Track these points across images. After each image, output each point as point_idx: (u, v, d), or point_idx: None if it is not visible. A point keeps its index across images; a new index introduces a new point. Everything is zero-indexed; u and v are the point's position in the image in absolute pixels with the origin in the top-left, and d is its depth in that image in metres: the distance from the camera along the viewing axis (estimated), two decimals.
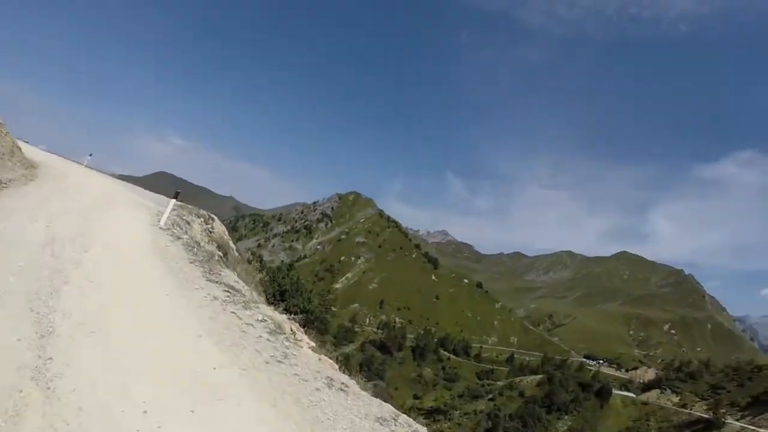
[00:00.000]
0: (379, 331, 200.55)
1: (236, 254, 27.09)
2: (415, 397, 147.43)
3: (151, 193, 36.19)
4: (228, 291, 12.77)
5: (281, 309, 19.25)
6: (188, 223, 20.75)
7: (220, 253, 19.72)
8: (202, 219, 23.81)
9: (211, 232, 22.67)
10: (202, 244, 18.61)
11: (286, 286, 40.77)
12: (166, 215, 18.21)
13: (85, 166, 38.07)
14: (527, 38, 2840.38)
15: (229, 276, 15.25)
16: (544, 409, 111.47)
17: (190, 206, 27.19)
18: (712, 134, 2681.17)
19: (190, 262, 14.39)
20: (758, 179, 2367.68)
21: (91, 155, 41.10)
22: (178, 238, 16.88)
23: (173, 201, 19.27)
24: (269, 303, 20.62)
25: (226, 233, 29.62)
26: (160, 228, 17.22)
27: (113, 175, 42.06)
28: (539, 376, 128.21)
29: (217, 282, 13.27)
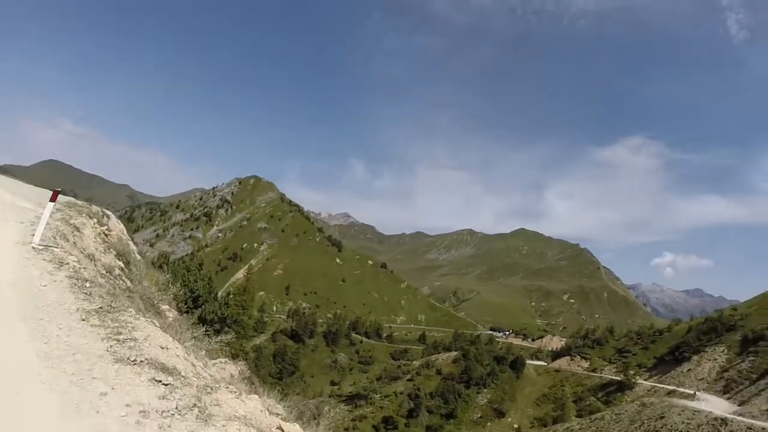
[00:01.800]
0: (289, 319, 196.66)
1: (138, 258, 23.24)
2: (332, 383, 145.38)
3: (32, 188, 27.35)
4: (159, 380, 7.22)
5: (195, 318, 16.09)
6: (77, 228, 15.52)
7: (121, 264, 16.29)
8: (95, 219, 18.93)
9: (107, 235, 18.65)
10: (96, 255, 14.41)
11: (200, 291, 36.47)
12: (41, 227, 12.06)
13: None
14: (432, 24, 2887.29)
15: (152, 335, 8.74)
16: (462, 384, 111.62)
17: (80, 203, 22.35)
18: (606, 121, 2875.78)
19: (83, 319, 8.51)
20: (646, 162, 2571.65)
21: None
22: (62, 263, 10.98)
23: (51, 205, 12.47)
24: (181, 312, 17.91)
25: (125, 232, 25.57)
26: (34, 247, 11.52)
27: None
28: (454, 353, 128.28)
29: (134, 361, 7.51)
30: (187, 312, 19.04)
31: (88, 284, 10.40)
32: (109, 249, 16.61)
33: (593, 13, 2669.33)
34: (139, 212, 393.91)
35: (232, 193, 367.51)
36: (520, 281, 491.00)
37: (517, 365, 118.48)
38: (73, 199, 23.51)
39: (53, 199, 12.73)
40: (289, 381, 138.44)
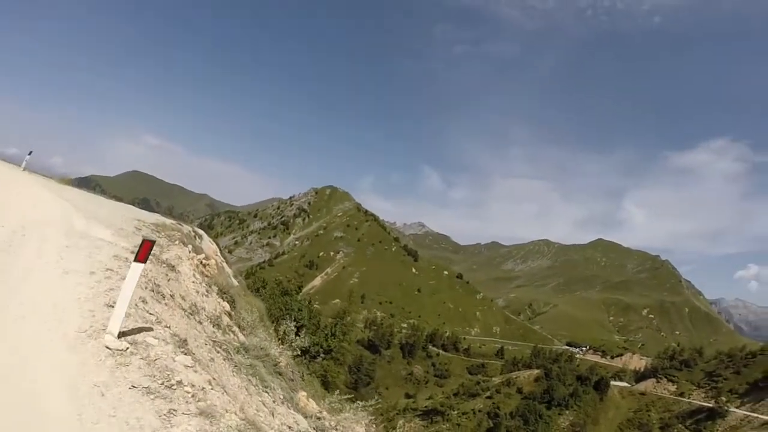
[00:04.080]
0: (366, 329, 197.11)
1: (235, 283, 20.66)
2: (407, 396, 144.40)
3: (114, 205, 23.88)
4: None
5: (298, 351, 14.20)
6: (172, 267, 12.19)
7: (227, 306, 13.56)
8: (189, 246, 16.14)
9: (204, 265, 15.76)
10: (199, 303, 11.36)
11: (304, 321, 35.74)
12: (120, 311, 6.77)
13: (23, 170, 27.67)
14: (500, 32, 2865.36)
15: None
16: (544, 405, 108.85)
17: (169, 222, 19.77)
18: (686, 123, 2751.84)
19: None
20: (730, 166, 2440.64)
21: (30, 154, 29.75)
22: (170, 389, 6.04)
23: (138, 269, 7.00)
24: (282, 343, 15.75)
25: (218, 252, 24.06)
26: (109, 347, 6.49)
27: (64, 180, 27.68)
28: (536, 371, 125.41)
29: None
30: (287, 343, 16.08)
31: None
32: (210, 287, 14.07)
33: (668, 7, 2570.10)
34: (218, 220, 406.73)
35: (309, 203, 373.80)
36: (598, 294, 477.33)
37: (601, 386, 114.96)
38: (161, 218, 21.58)
39: (141, 257, 7.00)
40: (363, 392, 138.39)
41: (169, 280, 11.06)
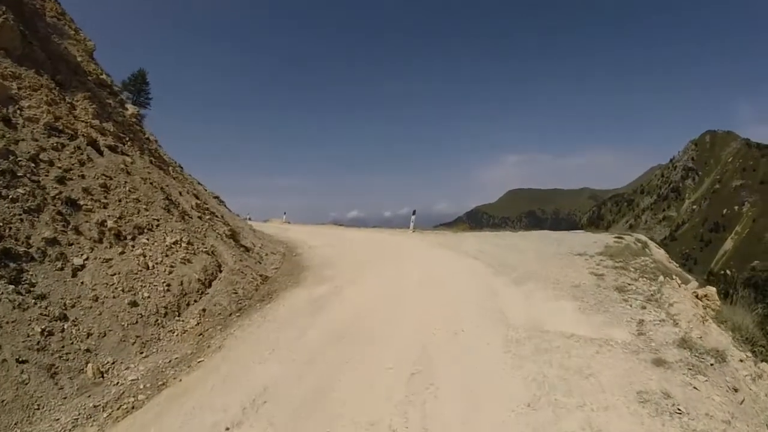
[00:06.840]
0: None
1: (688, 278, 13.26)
2: None
3: (525, 237, 19.99)
4: None
5: None
6: (720, 356, 6.82)
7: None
8: (673, 278, 10.72)
9: (701, 297, 10.31)
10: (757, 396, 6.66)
11: None
12: None
13: (412, 231, 25.04)
14: None
15: None
16: None
17: (612, 242, 14.63)
18: None
19: None
20: None
21: (414, 213, 27.02)
22: None
23: None
24: None
25: (668, 257, 15.98)
26: None
27: (459, 227, 27.46)
28: None
29: None
30: None
31: None
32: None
33: None
34: (605, 208, 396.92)
35: (692, 159, 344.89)
36: None
37: None
38: (596, 238, 16.33)
39: None
40: None
41: (738, 396, 5.97)
